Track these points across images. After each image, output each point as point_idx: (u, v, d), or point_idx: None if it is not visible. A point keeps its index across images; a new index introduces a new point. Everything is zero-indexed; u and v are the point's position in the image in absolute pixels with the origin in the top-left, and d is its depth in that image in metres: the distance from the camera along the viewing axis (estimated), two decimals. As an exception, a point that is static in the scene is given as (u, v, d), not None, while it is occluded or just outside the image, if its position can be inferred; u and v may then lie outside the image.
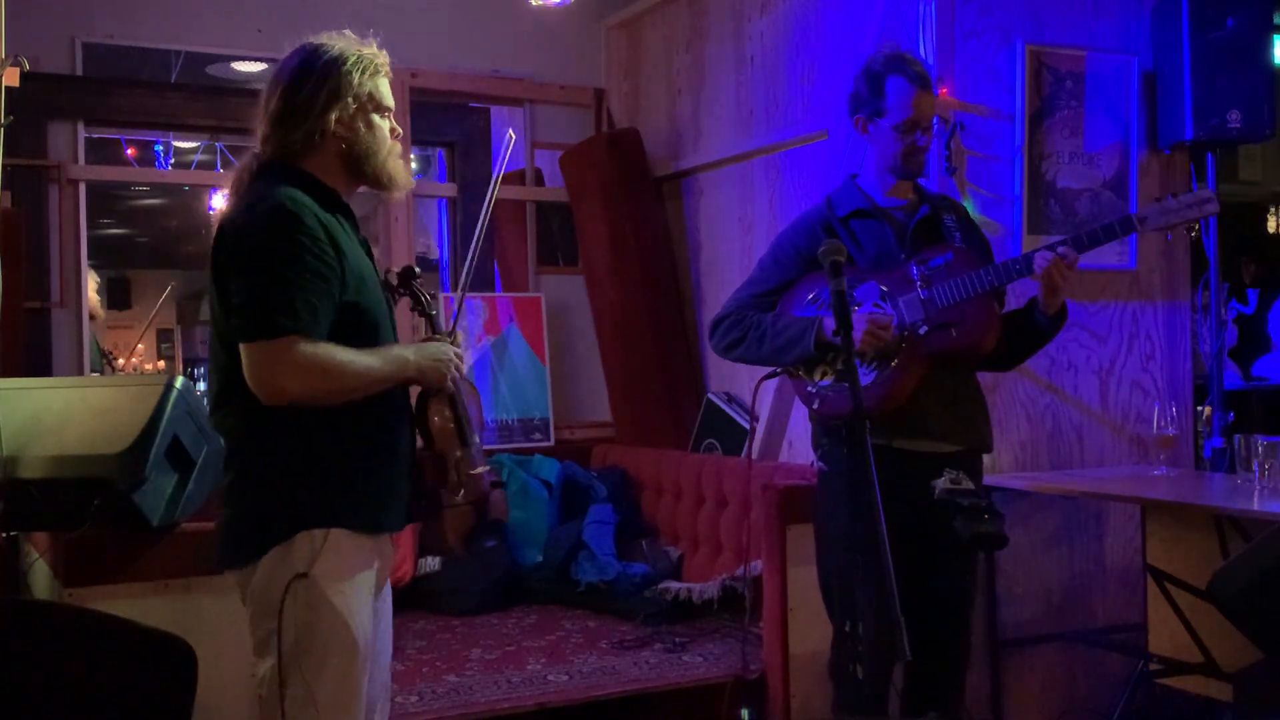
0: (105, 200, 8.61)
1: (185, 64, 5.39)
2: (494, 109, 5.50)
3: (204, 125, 5.12)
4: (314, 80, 2.25)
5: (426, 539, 2.47)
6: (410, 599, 4.34)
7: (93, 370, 5.07)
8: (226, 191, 2.34)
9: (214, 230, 2.23)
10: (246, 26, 4.86)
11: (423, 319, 2.47)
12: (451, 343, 2.42)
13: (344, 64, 2.26)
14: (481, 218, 2.74)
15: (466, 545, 2.49)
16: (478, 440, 2.50)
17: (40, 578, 3.08)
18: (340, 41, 2.31)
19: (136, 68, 5.16)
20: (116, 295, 10.29)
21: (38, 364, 4.46)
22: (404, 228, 5.10)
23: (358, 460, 2.22)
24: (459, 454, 2.44)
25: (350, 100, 2.26)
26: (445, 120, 5.29)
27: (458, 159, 5.35)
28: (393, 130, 2.34)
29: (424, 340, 2.40)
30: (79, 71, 4.74)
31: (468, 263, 2.74)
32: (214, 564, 2.27)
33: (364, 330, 2.23)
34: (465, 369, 2.50)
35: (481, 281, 5.28)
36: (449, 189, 5.39)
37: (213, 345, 2.25)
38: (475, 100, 5.40)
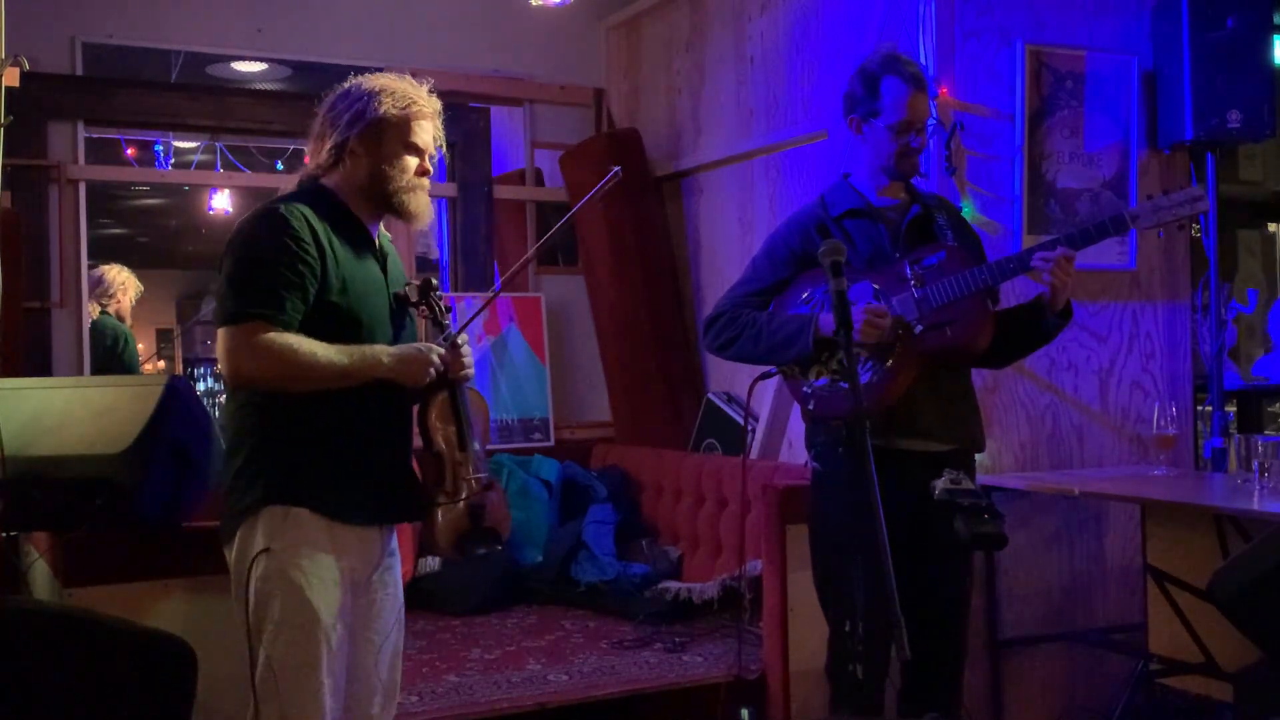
0: (105, 200, 8.60)
1: (185, 64, 5.39)
2: (494, 109, 5.50)
3: (204, 125, 5.12)
4: (347, 102, 2.39)
5: (422, 539, 2.55)
6: (410, 599, 4.27)
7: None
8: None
9: None
10: (246, 26, 4.84)
11: (436, 329, 2.55)
12: (452, 349, 2.47)
13: (377, 93, 2.38)
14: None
15: (458, 550, 2.57)
16: (479, 447, 2.57)
17: (40, 578, 3.08)
18: (387, 78, 2.44)
19: (136, 68, 5.16)
20: (116, 295, 10.28)
21: (38, 364, 4.47)
22: (403, 227, 5.09)
23: (325, 446, 2.31)
24: (457, 457, 2.52)
25: (374, 125, 2.37)
26: (445, 120, 5.27)
27: (457, 159, 5.34)
28: (420, 168, 2.44)
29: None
30: (79, 71, 4.74)
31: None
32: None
33: (344, 331, 2.32)
34: (470, 376, 2.56)
35: (481, 281, 5.29)
36: (448, 189, 5.38)
37: None
38: (475, 100, 5.40)
